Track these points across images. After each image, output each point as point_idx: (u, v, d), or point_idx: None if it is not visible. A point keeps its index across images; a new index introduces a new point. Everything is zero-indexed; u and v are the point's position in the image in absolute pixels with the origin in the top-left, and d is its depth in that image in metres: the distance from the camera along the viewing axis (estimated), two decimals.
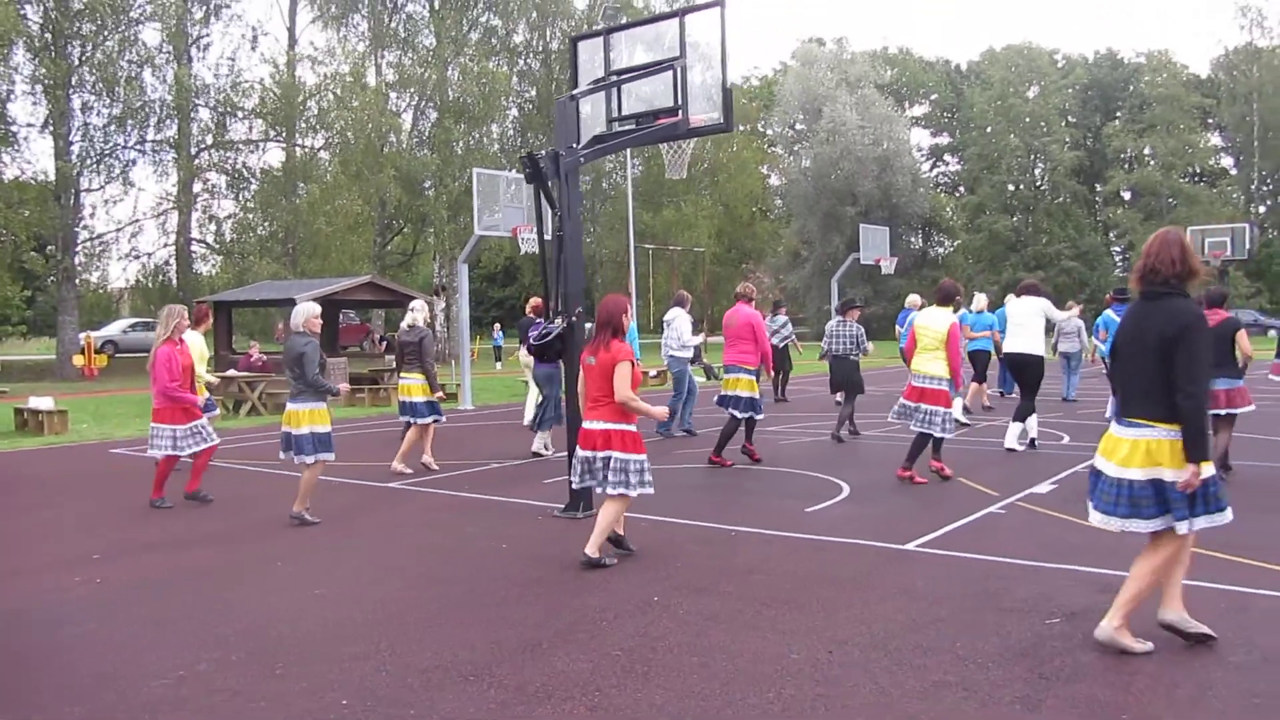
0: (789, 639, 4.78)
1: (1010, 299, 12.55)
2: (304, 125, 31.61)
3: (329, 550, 7.02)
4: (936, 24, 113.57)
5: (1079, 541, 6.59)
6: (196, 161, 30.85)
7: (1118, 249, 58.55)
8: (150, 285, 31.58)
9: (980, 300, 15.09)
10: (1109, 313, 13.57)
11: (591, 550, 6.18)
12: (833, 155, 53.17)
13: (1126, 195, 59.35)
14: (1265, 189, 65.53)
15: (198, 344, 9.75)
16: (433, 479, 9.95)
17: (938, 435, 9.08)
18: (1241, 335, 9.05)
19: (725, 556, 6.52)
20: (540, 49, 42.76)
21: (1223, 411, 8.86)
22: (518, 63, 42.97)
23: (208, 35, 31.25)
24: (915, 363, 9.38)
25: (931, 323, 9.30)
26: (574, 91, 8.16)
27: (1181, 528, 4.30)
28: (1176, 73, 61.32)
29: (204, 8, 31.04)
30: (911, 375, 9.38)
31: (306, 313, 7.82)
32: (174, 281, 31.46)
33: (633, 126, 8.37)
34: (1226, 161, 68.75)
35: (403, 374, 10.50)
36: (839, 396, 12.94)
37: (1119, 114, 61.20)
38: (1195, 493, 4.25)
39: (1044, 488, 8.59)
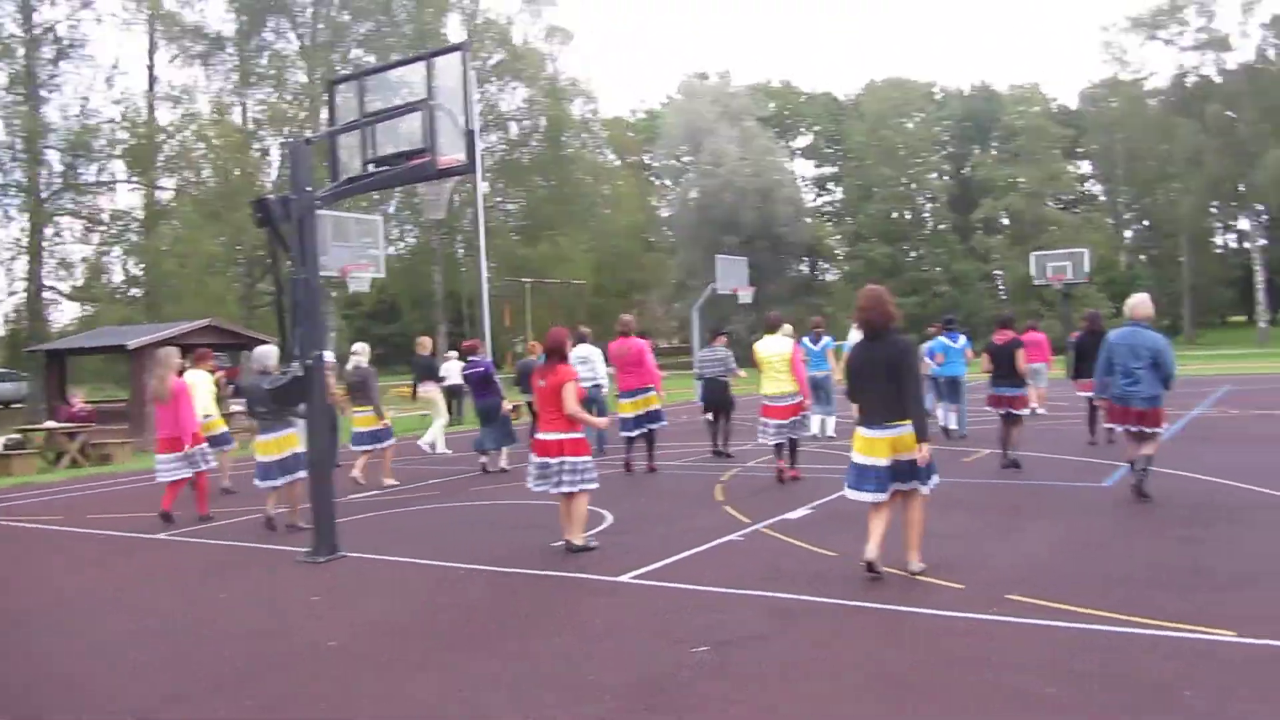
0: (439, 678, 4.83)
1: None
2: (162, 165, 30.86)
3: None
4: (820, 57, 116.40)
5: (793, 568, 6.79)
6: (46, 206, 29.91)
7: (998, 273, 60.41)
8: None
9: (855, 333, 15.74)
10: (943, 338, 14.61)
11: (576, 540, 7.49)
12: (715, 187, 53.93)
13: (1005, 221, 61.36)
14: (1130, 214, 68.62)
15: (204, 382, 11.58)
16: (209, 528, 9.80)
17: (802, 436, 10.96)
18: (1020, 353, 11.09)
19: (435, 596, 6.56)
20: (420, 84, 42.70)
21: (1003, 412, 11.00)
22: (392, 99, 42.80)
23: (58, 75, 30.37)
24: (766, 386, 10.64)
25: (774, 349, 10.60)
26: (308, 135, 8.19)
27: (925, 489, 6.24)
28: (1042, 104, 63.92)
29: (55, 47, 30.22)
30: (765, 398, 10.66)
31: (270, 354, 9.32)
32: (27, 329, 30.39)
33: (387, 168, 8.40)
34: (1098, 189, 71.90)
35: (355, 409, 12.23)
36: (709, 416, 13.56)
37: (994, 145, 63.40)
38: (928, 464, 6.17)
39: (798, 513, 8.80)
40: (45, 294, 30.44)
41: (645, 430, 12.12)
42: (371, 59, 39.75)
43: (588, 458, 7.57)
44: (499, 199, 47.73)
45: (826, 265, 67.54)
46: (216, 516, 10.21)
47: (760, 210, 54.49)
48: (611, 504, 9.74)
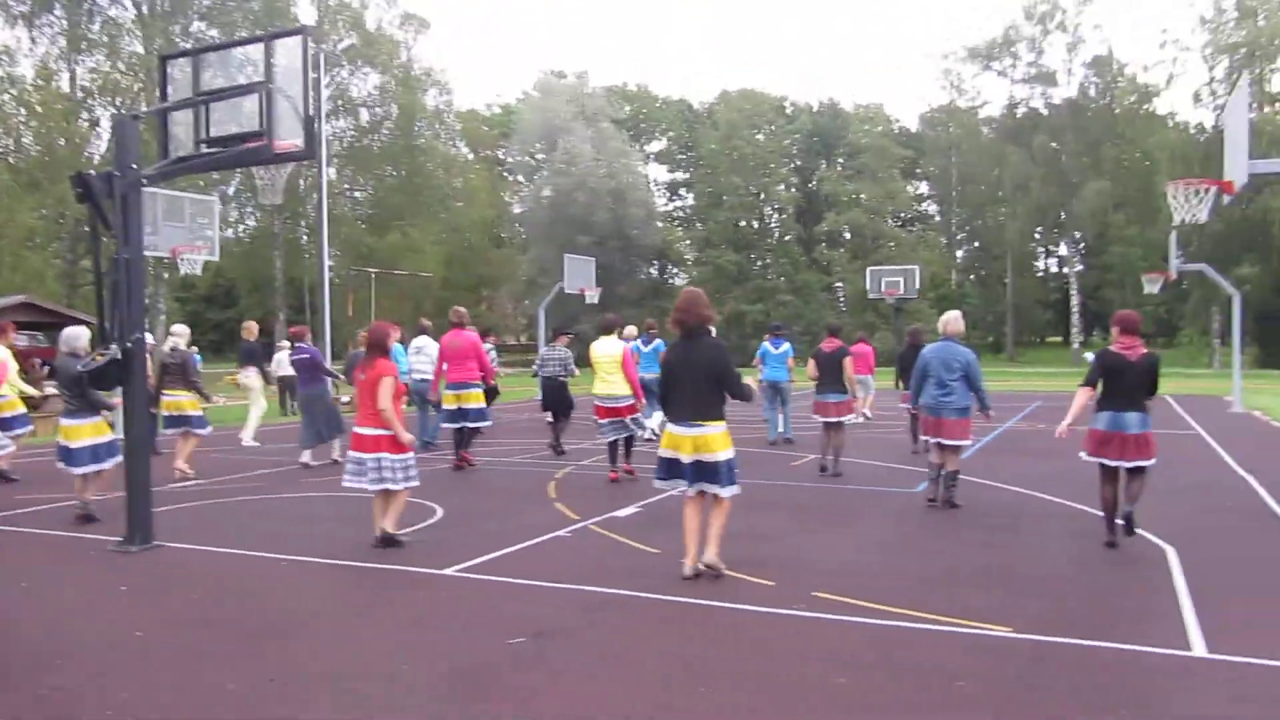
0: (243, 670, 4.77)
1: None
2: None
3: None
4: (676, 65, 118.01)
5: (615, 563, 6.96)
6: None
7: (839, 285, 62.57)
8: None
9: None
10: (767, 344, 15.09)
11: (389, 528, 7.41)
12: (568, 186, 54.05)
13: (847, 235, 63.62)
14: (962, 235, 72.17)
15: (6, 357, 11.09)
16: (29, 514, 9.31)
17: (638, 435, 11.32)
18: (847, 361, 11.50)
19: (252, 587, 6.44)
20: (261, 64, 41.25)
21: (833, 419, 11.30)
22: (237, 77, 41.25)
23: None
24: (598, 387, 10.90)
25: (607, 351, 10.93)
26: (135, 112, 7.90)
27: (724, 494, 6.33)
28: (884, 124, 66.62)
29: None
30: (597, 398, 10.97)
31: (80, 336, 8.87)
32: None
33: (221, 149, 8.17)
34: (934, 209, 75.34)
35: (166, 392, 11.71)
36: (549, 416, 13.59)
37: (840, 160, 65.69)
38: (730, 469, 6.32)
39: (627, 511, 9.00)
40: None
41: (463, 425, 12.02)
42: (215, 34, 38.29)
43: (408, 455, 7.48)
44: (347, 186, 46.62)
45: (676, 269, 68.60)
46: (24, 504, 9.70)
47: (613, 211, 54.92)
48: (443, 498, 9.75)
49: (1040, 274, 71.10)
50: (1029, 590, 6.21)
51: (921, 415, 9.45)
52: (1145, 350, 7.31)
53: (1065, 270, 63.61)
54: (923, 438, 9.53)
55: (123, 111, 35.05)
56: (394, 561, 7.04)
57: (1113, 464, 7.30)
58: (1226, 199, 10.20)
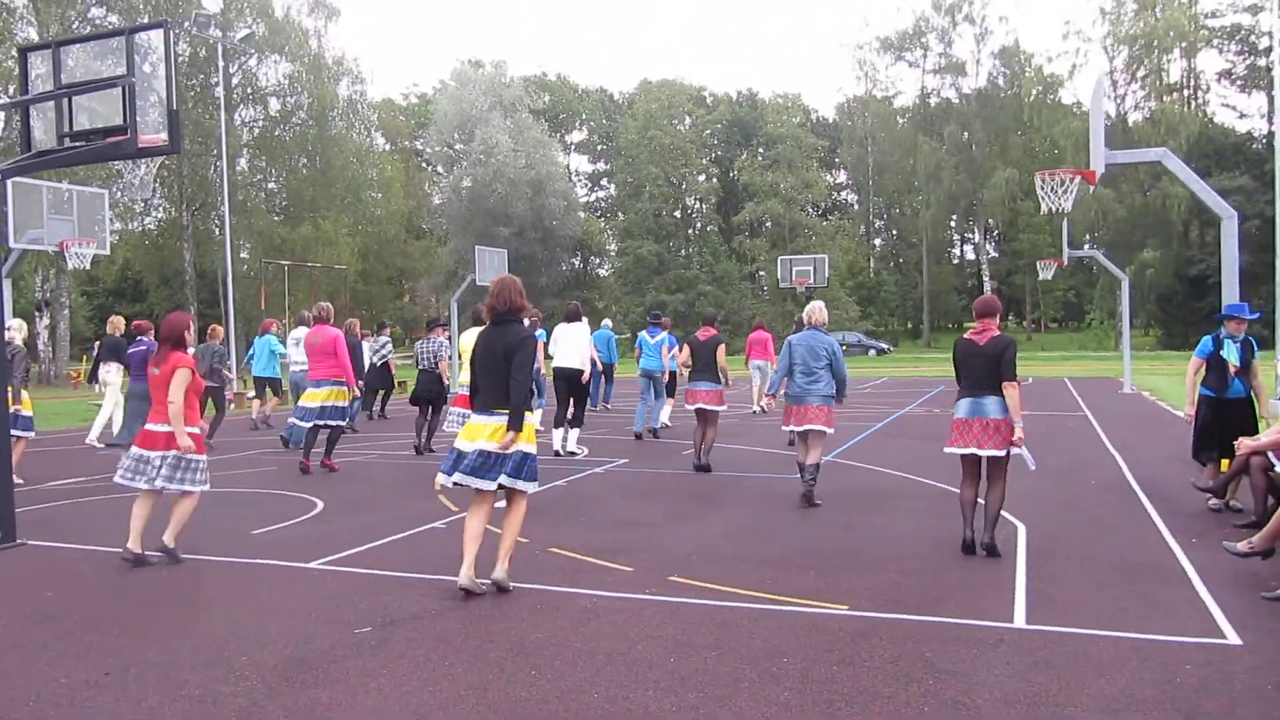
0: (79, 663, 4.78)
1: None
2: None
3: None
4: (596, 54, 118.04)
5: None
6: None
7: (763, 274, 63.23)
8: None
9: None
10: (644, 334, 15.28)
11: (169, 539, 6.87)
12: (486, 177, 53.74)
13: (769, 224, 64.31)
14: (880, 223, 73.47)
15: None
16: None
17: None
18: (720, 349, 11.20)
19: (108, 582, 6.41)
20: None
21: (703, 406, 11.01)
22: (140, 65, 40.21)
23: None
24: (462, 376, 10.34)
25: (470, 341, 10.40)
26: None
27: (528, 489, 6.09)
28: (802, 114, 67.41)
29: None
30: (460, 387, 10.60)
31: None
32: None
33: (84, 144, 8.06)
34: (853, 197, 76.53)
35: None
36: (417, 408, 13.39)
37: (760, 151, 66.33)
38: (524, 461, 6.00)
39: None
40: None
41: (325, 424, 11.37)
42: (114, 19, 37.29)
43: (202, 456, 7.04)
44: (258, 177, 45.79)
45: (599, 260, 68.74)
46: None
47: (532, 202, 54.74)
48: (325, 491, 9.76)
49: (956, 261, 72.83)
50: (874, 570, 6.46)
51: (785, 404, 9.24)
52: (996, 334, 6.97)
53: (978, 257, 65.21)
54: (785, 428, 9.28)
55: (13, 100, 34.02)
56: (261, 555, 7.06)
57: (967, 452, 6.96)
58: (1091, 188, 10.60)
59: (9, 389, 11.46)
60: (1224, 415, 8.34)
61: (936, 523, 7.95)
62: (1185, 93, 56.32)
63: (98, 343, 36.94)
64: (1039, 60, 58.68)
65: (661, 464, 11.65)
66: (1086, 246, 46.29)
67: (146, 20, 38.24)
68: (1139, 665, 4.63)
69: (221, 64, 33.61)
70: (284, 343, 16.50)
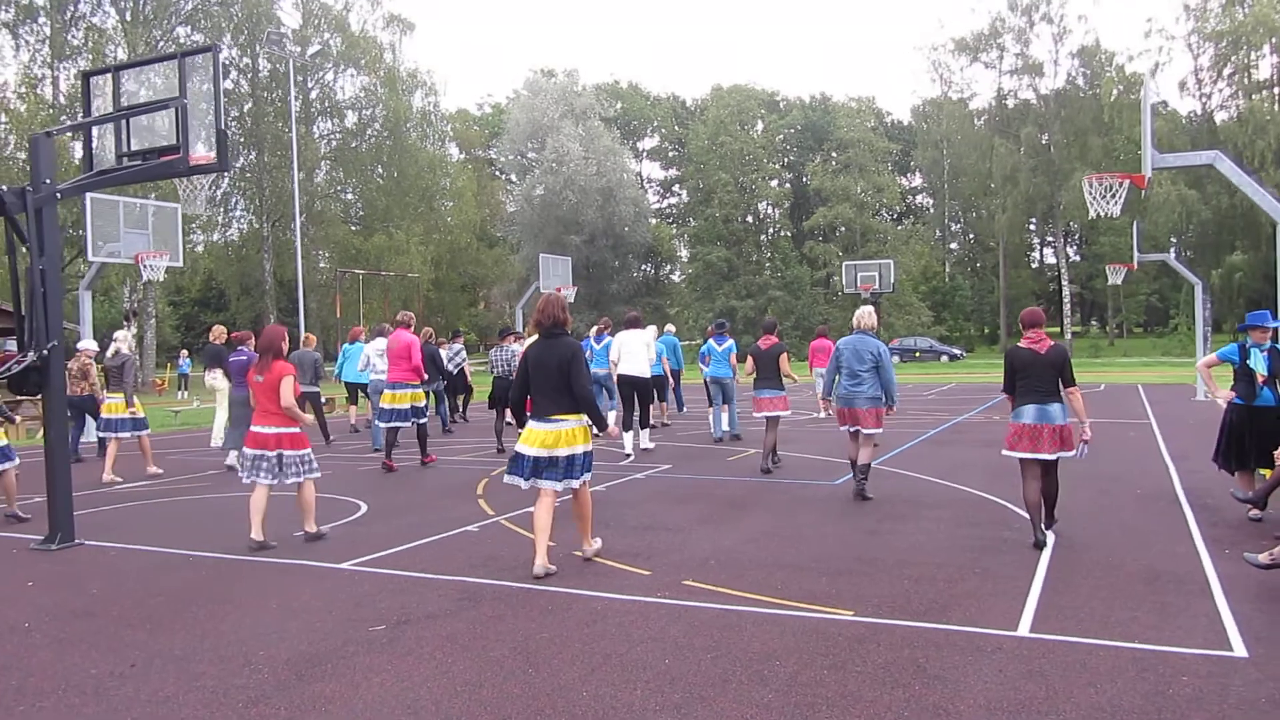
0: (110, 656, 5.07)
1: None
2: None
3: None
4: (668, 61, 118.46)
5: (507, 555, 7.27)
6: None
7: (836, 278, 62.79)
8: None
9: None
10: (711, 342, 15.39)
11: (310, 527, 7.87)
12: (558, 185, 54.36)
13: (843, 229, 63.85)
14: (955, 227, 72.36)
15: None
16: None
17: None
18: (783, 358, 11.69)
19: (150, 581, 6.74)
20: (248, 68, 41.64)
21: (768, 414, 11.49)
22: (223, 81, 41.61)
23: None
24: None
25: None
26: (49, 129, 8.19)
27: (575, 484, 6.73)
28: (875, 118, 66.74)
29: None
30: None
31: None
32: None
33: (140, 162, 8.48)
34: (928, 201, 75.51)
35: (109, 394, 12.36)
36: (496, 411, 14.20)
37: (833, 155, 65.86)
38: (582, 460, 6.71)
39: None
40: None
41: (406, 424, 12.24)
42: (199, 38, 38.64)
43: (306, 450, 7.91)
44: (336, 188, 46.95)
45: (670, 266, 68.95)
46: None
47: (603, 209, 55.24)
48: (370, 495, 10.06)
49: (1035, 265, 71.33)
50: (888, 576, 6.48)
51: (836, 407, 9.68)
52: (1052, 343, 7.47)
53: (1057, 261, 63.80)
54: (841, 427, 9.72)
55: None
56: (297, 556, 7.35)
57: (1035, 457, 7.28)
58: (1143, 193, 10.43)
59: (105, 395, 12.30)
60: (1255, 424, 8.20)
61: (964, 530, 7.92)
62: (1276, 90, 54.40)
63: (183, 351, 38.33)
64: (1120, 59, 57.23)
65: (704, 470, 11.74)
66: (1171, 250, 45.06)
67: (229, 39, 39.67)
68: (1135, 676, 4.61)
69: (294, 79, 34.57)
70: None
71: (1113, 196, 10.52)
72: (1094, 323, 73.09)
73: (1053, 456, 7.28)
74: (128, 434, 12.19)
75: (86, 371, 13.46)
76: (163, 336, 45.86)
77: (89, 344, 13.97)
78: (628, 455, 12.84)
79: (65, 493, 7.99)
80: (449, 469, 12.36)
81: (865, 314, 9.79)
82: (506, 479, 6.80)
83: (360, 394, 17.22)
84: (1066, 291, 56.90)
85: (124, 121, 8.54)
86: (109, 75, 8.65)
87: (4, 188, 7.51)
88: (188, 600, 6.23)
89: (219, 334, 16.18)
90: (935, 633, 5.28)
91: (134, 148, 8.60)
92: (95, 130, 8.55)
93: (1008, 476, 8.78)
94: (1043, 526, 7.32)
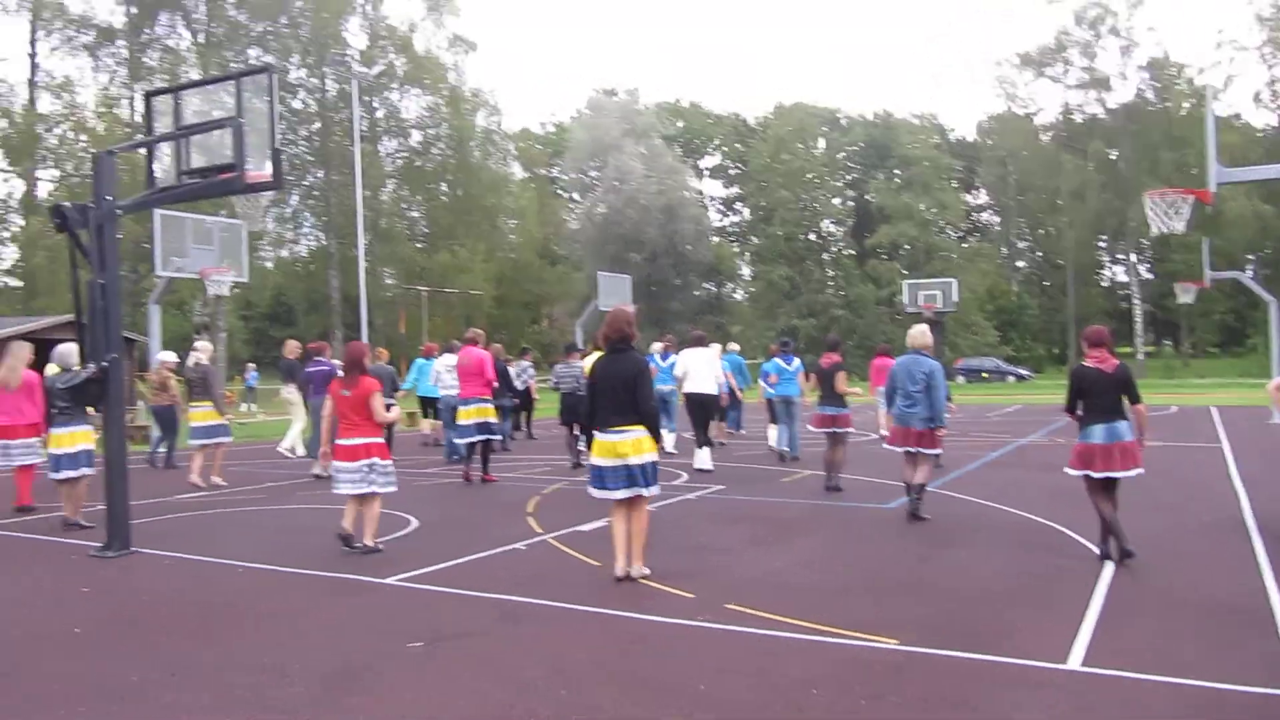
0: (151, 664, 5.13)
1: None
2: (40, 156, 30.29)
3: None
4: (730, 79, 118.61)
5: (552, 574, 7.24)
6: None
7: (899, 298, 62.08)
8: None
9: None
10: (778, 360, 15.21)
11: (368, 540, 8.03)
12: (619, 203, 54.61)
13: (906, 247, 63.18)
14: (1022, 244, 71.17)
15: None
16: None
17: None
18: (840, 376, 11.66)
19: (197, 591, 6.84)
20: (316, 89, 42.51)
21: (830, 430, 11.48)
22: (291, 101, 42.57)
23: None
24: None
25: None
26: (111, 147, 8.40)
27: (646, 493, 6.89)
28: (938, 134, 66.03)
29: None
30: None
31: (73, 353, 9.58)
32: None
33: (198, 180, 8.64)
34: (994, 218, 74.43)
35: (194, 404, 12.74)
36: (567, 428, 14.54)
37: (896, 173, 65.24)
38: (651, 469, 6.84)
39: (592, 525, 9.22)
40: None
41: (481, 439, 12.36)
42: (269, 59, 39.54)
43: (389, 461, 8.18)
44: (402, 205, 47.62)
45: (732, 285, 68.81)
46: (37, 511, 10.37)
47: (664, 228, 55.37)
48: (421, 510, 10.11)
49: (1106, 283, 69.86)
50: (936, 603, 6.32)
51: (893, 426, 9.59)
52: (1117, 362, 7.53)
53: (1129, 279, 62.39)
54: (894, 448, 9.59)
55: None
56: (344, 570, 7.39)
57: (1110, 475, 7.42)
58: (1207, 209, 10.14)
59: (192, 404, 12.77)
60: None
61: (1019, 556, 7.71)
62: None
63: (250, 364, 39.05)
64: (1190, 72, 55.95)
65: (758, 492, 11.62)
66: (1247, 268, 43.61)
67: (297, 60, 40.58)
68: (1185, 714, 4.43)
69: (357, 99, 35.19)
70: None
71: (1176, 213, 10.21)
72: (1167, 342, 71.29)
73: (1131, 474, 7.38)
74: (213, 440, 12.64)
75: (166, 383, 13.93)
76: (233, 350, 46.82)
77: (168, 356, 14.43)
78: (700, 471, 13.06)
79: (122, 501, 8.15)
80: (504, 486, 12.39)
81: (918, 333, 9.68)
82: (593, 492, 7.00)
83: (432, 409, 17.56)
84: (1138, 310, 55.57)
85: (184, 140, 8.73)
86: (171, 95, 8.84)
87: (67, 204, 7.72)
88: (233, 611, 6.30)
89: (293, 349, 16.55)
90: (980, 664, 5.12)
91: (194, 165, 8.79)
92: (163, 148, 8.71)
93: (1068, 501, 8.54)
94: (1127, 545, 7.30)
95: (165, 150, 8.97)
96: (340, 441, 8.08)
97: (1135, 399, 7.43)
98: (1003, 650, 5.32)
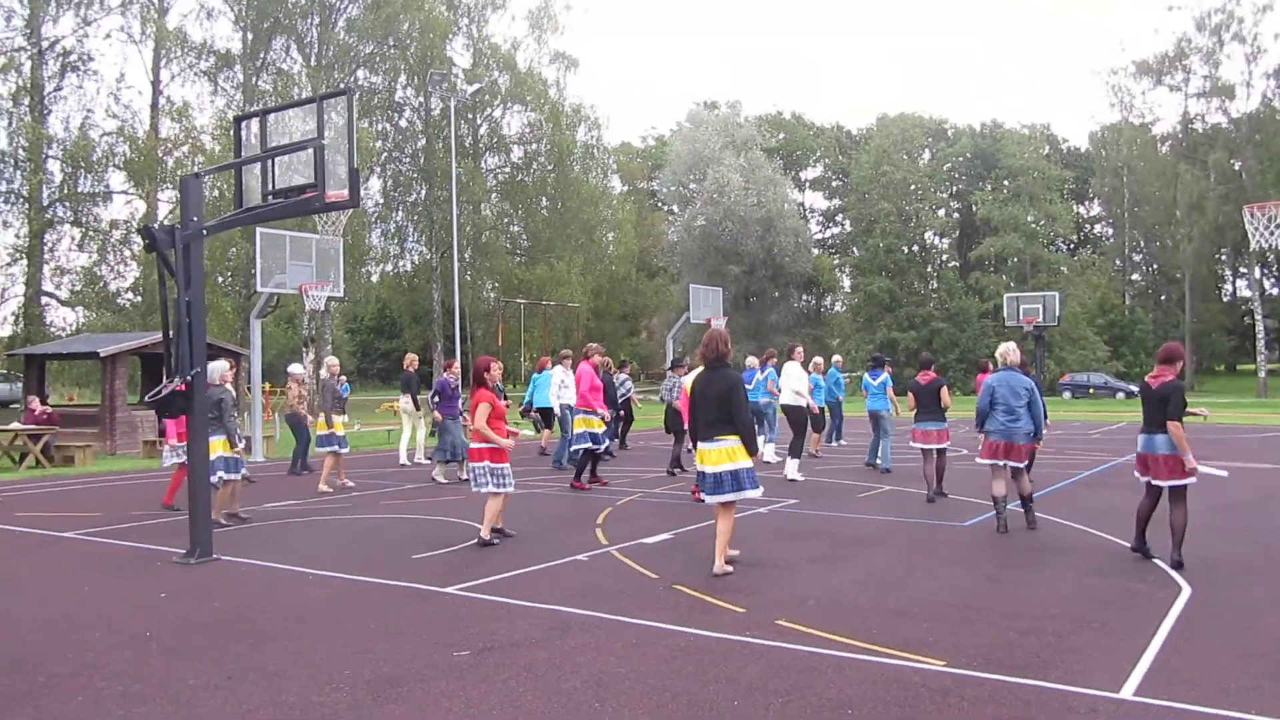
0: (210, 667, 5.36)
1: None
2: (163, 178, 31.79)
3: None
4: (834, 91, 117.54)
5: (610, 586, 7.30)
6: (48, 215, 30.93)
7: (1006, 313, 60.56)
8: None
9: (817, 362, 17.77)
10: (866, 376, 15.78)
11: (484, 533, 8.88)
12: (717, 215, 54.57)
13: (1014, 260, 61.59)
14: (1138, 258, 68.68)
15: None
16: (106, 529, 10.42)
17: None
18: (943, 391, 12.12)
19: (267, 597, 7.10)
20: (421, 107, 43.58)
21: (932, 445, 11.89)
22: (398, 120, 43.77)
23: (63, 90, 31.55)
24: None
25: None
26: (198, 170, 8.78)
27: (749, 495, 7.60)
28: (1050, 144, 64.24)
29: (60, 61, 31.34)
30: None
31: (219, 369, 10.33)
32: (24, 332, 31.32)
33: (280, 201, 8.99)
34: (1107, 230, 72.01)
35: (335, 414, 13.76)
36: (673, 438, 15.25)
37: (1005, 184, 63.72)
38: (745, 475, 7.52)
39: (656, 538, 9.28)
40: (42, 299, 31.38)
41: (591, 446, 13.07)
42: (376, 80, 40.78)
43: (504, 464, 8.96)
44: (504, 220, 48.44)
45: (831, 297, 68.08)
46: (135, 519, 10.90)
47: (762, 240, 55.12)
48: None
49: (1228, 298, 66.94)
50: (993, 625, 6.17)
51: (990, 440, 9.69)
52: (1169, 379, 7.89)
53: (1252, 293, 59.65)
54: (986, 461, 9.70)
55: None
56: (409, 579, 7.58)
57: (1144, 480, 8.10)
58: None
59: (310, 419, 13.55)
60: None
61: (1092, 580, 7.47)
62: None
63: (342, 376, 40.12)
64: None
65: (831, 507, 11.49)
66: None
67: (404, 80, 41.69)
68: None
69: (454, 116, 36.01)
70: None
71: (1276, 226, 9.80)
72: None
73: (1164, 484, 7.83)
74: (343, 449, 13.73)
75: (294, 393, 15.20)
76: (339, 362, 48.24)
77: (296, 369, 15.65)
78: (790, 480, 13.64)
79: (205, 509, 8.50)
80: (581, 496, 12.52)
81: (1010, 350, 10.20)
82: (707, 499, 7.77)
83: (544, 418, 18.33)
84: (1261, 326, 53.03)
85: (270, 161, 9.09)
86: (259, 118, 9.23)
87: (155, 225, 8.11)
88: (298, 617, 6.52)
89: (411, 361, 17.08)
90: (1027, 689, 4.99)
91: (278, 185, 9.15)
92: (256, 168, 9.10)
93: (1155, 527, 8.21)
94: (1173, 555, 7.78)
95: (256, 171, 9.35)
96: (471, 444, 9.19)
97: (1169, 416, 7.71)
98: (1054, 676, 5.18)
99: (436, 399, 14.35)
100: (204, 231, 8.48)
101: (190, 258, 8.32)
